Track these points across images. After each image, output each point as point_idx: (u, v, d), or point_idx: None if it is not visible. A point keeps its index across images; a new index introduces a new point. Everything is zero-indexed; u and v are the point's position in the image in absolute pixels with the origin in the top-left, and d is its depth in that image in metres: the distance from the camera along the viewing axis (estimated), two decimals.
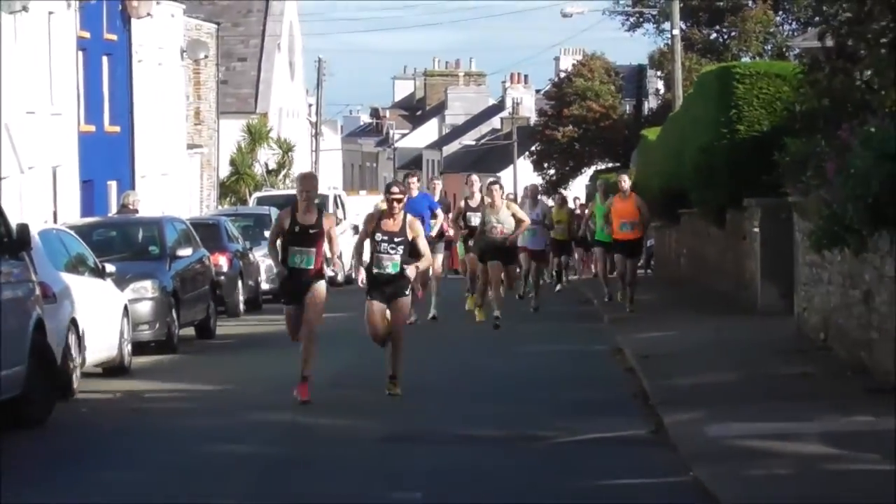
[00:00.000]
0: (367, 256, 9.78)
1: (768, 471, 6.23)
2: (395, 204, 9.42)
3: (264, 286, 19.88)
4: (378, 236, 9.29)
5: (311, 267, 9.10)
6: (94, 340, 11.01)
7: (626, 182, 16.27)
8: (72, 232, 12.59)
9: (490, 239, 14.50)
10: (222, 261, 17.42)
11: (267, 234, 15.27)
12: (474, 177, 17.03)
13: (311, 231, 9.02)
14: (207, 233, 17.38)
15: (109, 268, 12.08)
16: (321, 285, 9.35)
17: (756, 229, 14.26)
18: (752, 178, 13.27)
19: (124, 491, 6.50)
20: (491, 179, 19.58)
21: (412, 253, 9.52)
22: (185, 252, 14.33)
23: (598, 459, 7.14)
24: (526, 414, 8.68)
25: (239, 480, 6.60)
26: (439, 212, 15.49)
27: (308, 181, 9.60)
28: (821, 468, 6.27)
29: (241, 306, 18.17)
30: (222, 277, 16.95)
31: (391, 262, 9.21)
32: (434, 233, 14.45)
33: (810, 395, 8.72)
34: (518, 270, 16.43)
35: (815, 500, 5.46)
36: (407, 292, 9.54)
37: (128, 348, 12.03)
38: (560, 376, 11.02)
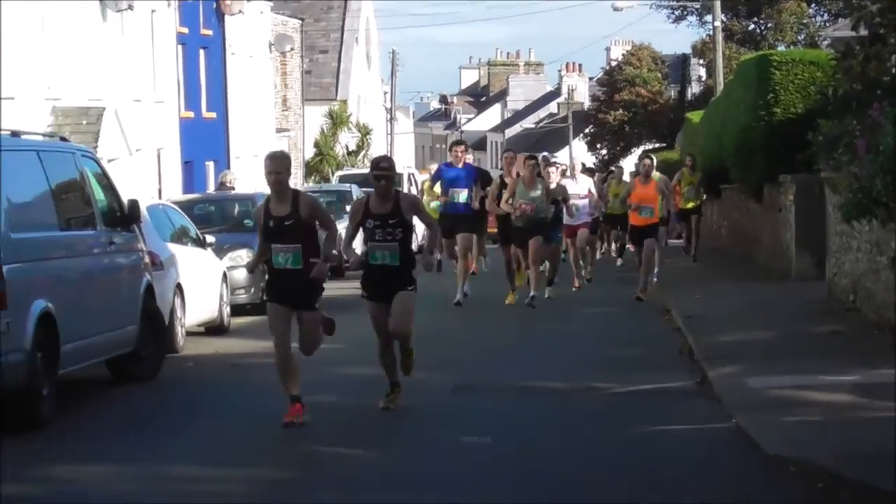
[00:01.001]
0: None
1: (803, 418, 6.35)
2: (383, 182, 7.09)
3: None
4: (369, 223, 7.00)
5: (300, 266, 6.68)
6: (196, 303, 11.36)
7: (647, 166, 14.48)
8: (176, 207, 13.14)
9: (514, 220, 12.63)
10: None
11: (348, 208, 15.24)
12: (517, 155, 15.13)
13: (285, 223, 6.65)
14: None
15: (209, 238, 12.45)
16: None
17: (791, 203, 14.38)
18: (787, 156, 13.27)
19: (227, 437, 6.72)
20: (544, 156, 17.80)
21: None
22: None
23: (650, 408, 7.30)
24: (582, 368, 8.81)
25: (327, 428, 6.72)
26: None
27: (275, 162, 6.87)
28: (851, 416, 6.38)
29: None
30: None
31: (389, 252, 6.98)
32: (475, 204, 13.03)
33: (840, 351, 8.86)
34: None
35: (846, 444, 5.53)
36: (410, 287, 7.07)
37: (226, 310, 12.43)
38: (613, 335, 11.20)
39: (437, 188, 14.33)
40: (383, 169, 7.07)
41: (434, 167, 18.87)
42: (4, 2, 16.42)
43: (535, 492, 5.10)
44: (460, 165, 13.24)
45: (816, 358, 8.51)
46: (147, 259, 9.41)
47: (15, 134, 7.65)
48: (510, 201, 12.68)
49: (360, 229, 7.24)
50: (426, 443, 6.38)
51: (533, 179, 12.69)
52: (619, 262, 18.59)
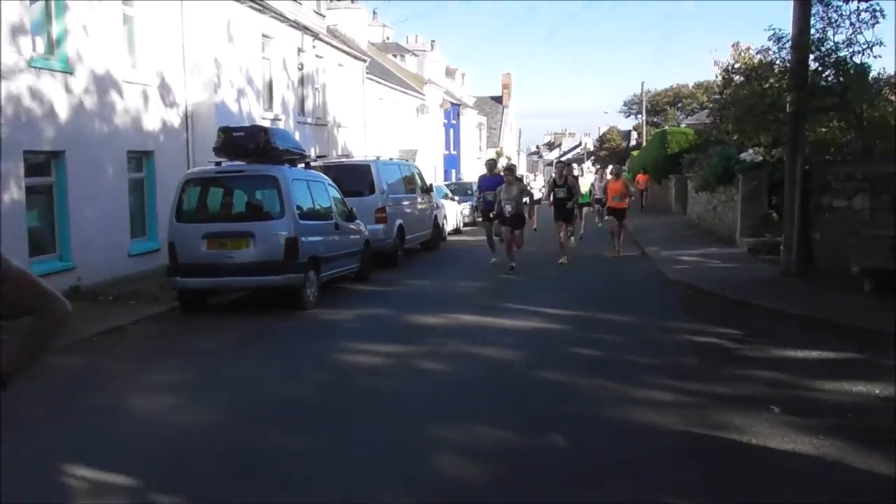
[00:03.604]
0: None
1: (681, 266, 15.62)
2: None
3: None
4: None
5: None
6: (450, 221, 24.24)
7: (611, 172, 20.45)
8: (444, 185, 26.55)
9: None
10: None
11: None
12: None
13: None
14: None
15: (455, 198, 25.71)
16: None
17: (672, 186, 31.01)
18: (672, 168, 29.11)
19: (461, 271, 17.76)
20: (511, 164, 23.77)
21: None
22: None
23: (625, 262, 17.11)
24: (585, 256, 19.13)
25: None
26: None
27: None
28: (699, 265, 15.59)
29: None
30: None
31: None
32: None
33: (693, 242, 19.26)
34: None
35: (699, 275, 14.07)
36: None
37: (461, 224, 25.64)
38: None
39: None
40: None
41: None
42: None
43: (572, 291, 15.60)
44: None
45: (684, 244, 18.80)
46: (434, 205, 21.40)
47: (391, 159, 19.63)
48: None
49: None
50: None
51: (511, 183, 15.97)
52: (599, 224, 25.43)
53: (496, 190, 16.10)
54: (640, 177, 38.24)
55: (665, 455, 5.47)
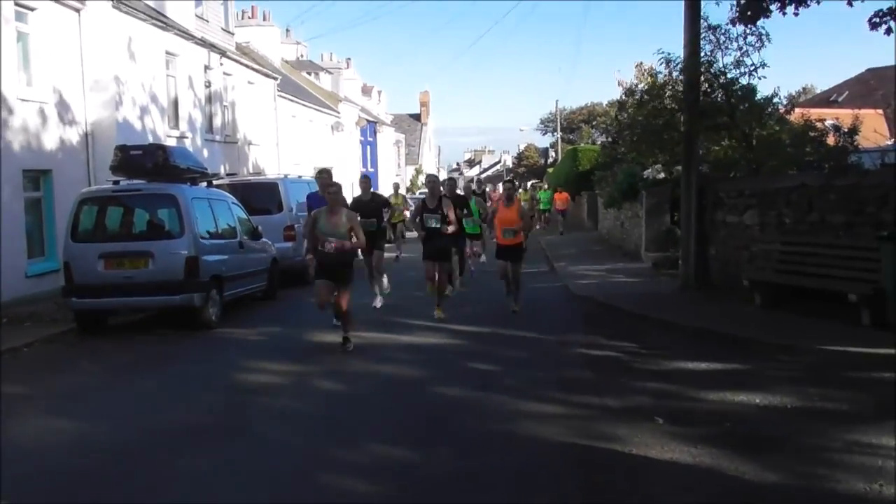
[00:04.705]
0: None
1: (587, 281, 16.00)
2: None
3: None
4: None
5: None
6: None
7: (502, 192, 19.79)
8: None
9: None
10: None
11: None
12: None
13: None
14: None
15: None
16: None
17: (585, 202, 32.85)
18: (583, 185, 29.84)
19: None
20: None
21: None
22: None
23: (535, 278, 17.41)
24: None
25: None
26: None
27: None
28: (605, 281, 15.98)
29: None
30: None
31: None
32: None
33: (602, 256, 19.90)
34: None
35: (603, 290, 14.50)
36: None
37: None
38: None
39: None
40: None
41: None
42: None
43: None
44: None
45: (593, 259, 19.28)
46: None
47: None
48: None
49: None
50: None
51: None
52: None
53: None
54: (557, 195, 33.39)
55: (548, 465, 5.56)
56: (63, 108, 16.51)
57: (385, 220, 14.06)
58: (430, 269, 12.04)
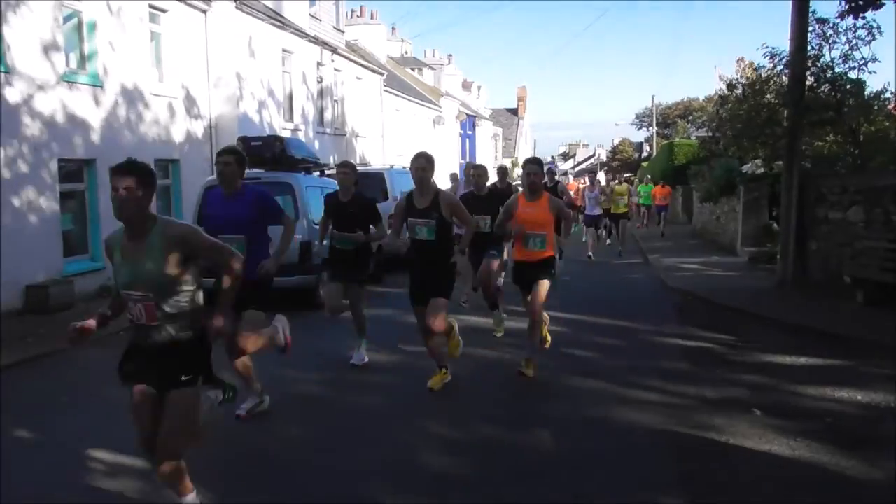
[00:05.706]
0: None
1: (682, 274, 15.61)
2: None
3: None
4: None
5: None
6: None
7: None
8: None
9: None
10: None
11: None
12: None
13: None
14: None
15: None
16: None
17: (679, 195, 30.64)
18: (679, 178, 27.72)
19: None
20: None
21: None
22: None
23: (629, 268, 17.15)
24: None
25: None
26: None
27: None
28: (700, 273, 15.50)
29: None
30: None
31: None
32: None
33: (698, 250, 19.06)
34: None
35: (699, 283, 14.05)
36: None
37: None
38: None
39: None
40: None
41: None
42: None
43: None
44: None
45: (687, 253, 18.68)
46: None
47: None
48: None
49: None
50: None
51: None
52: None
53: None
54: (658, 189, 27.43)
55: (641, 451, 5.53)
56: (190, 102, 17.26)
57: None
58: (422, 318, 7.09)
